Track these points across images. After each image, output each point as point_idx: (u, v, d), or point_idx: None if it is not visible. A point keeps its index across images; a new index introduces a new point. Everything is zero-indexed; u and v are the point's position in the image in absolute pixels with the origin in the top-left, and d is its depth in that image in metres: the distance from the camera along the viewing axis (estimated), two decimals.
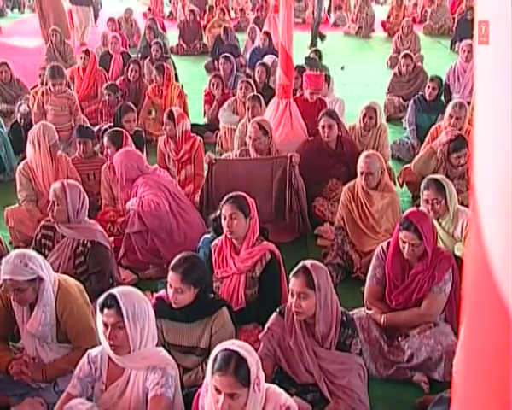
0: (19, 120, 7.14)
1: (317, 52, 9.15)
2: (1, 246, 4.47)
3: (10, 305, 3.41)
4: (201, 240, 4.55)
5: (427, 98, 7.13)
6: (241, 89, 7.27)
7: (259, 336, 3.35)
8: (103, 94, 7.97)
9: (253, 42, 11.73)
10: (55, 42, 10.74)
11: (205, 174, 5.50)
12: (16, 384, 3.35)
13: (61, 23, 12.21)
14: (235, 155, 5.64)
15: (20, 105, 7.39)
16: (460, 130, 5.69)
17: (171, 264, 3.31)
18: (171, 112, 5.90)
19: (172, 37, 13.92)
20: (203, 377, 3.21)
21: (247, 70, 10.18)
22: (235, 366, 2.38)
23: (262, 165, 5.32)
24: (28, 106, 7.44)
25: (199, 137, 6.04)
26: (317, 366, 3.20)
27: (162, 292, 3.46)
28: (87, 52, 8.85)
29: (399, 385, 3.65)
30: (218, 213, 4.42)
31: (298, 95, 6.90)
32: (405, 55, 8.89)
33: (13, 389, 3.38)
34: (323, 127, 5.62)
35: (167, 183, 5.06)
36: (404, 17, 14.64)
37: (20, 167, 5.41)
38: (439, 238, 4.12)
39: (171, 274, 3.28)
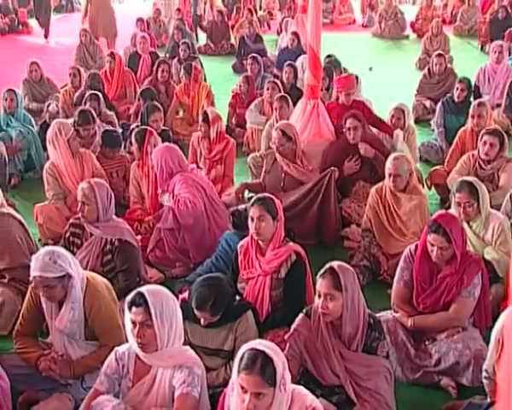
0: (47, 120, 7.22)
1: (331, 56, 9.13)
2: (31, 243, 4.53)
3: (40, 301, 3.45)
4: (223, 235, 4.58)
5: (456, 100, 7.05)
6: (268, 89, 7.28)
7: (285, 336, 3.34)
8: (132, 95, 8.05)
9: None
10: (85, 42, 10.86)
11: None
12: (45, 380, 3.40)
13: (110, 23, 12.52)
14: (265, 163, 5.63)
15: (49, 104, 7.48)
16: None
17: (197, 302, 3.31)
18: (205, 114, 5.94)
19: (200, 37, 13.98)
20: (227, 378, 3.24)
21: (275, 71, 10.17)
22: (261, 365, 2.38)
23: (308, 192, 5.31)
24: (57, 105, 7.54)
25: (232, 139, 6.07)
26: (344, 368, 3.19)
27: (186, 294, 3.49)
28: (113, 55, 8.93)
29: (426, 389, 3.62)
30: (238, 207, 4.45)
31: (332, 100, 6.87)
32: (439, 55, 8.81)
33: (42, 384, 3.42)
34: (349, 129, 5.60)
35: (204, 183, 5.08)
36: (433, 18, 14.48)
37: (47, 167, 5.47)
38: (468, 241, 4.08)
39: (198, 313, 3.32)
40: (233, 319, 3.39)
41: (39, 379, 3.40)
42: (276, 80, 7.60)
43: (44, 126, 7.24)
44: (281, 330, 3.65)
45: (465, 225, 4.09)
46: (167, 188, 4.97)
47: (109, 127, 6.63)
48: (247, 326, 3.39)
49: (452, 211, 4.39)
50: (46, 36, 14.66)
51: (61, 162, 5.40)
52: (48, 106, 7.47)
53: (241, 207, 4.52)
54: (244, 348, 2.47)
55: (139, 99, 7.78)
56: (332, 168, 5.27)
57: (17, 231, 4.40)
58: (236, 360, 2.46)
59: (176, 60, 10.11)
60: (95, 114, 6.36)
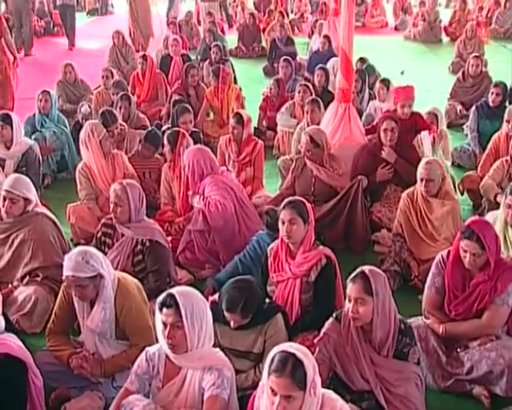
0: (80, 121, 7.32)
1: (363, 59, 9.08)
2: (63, 242, 4.60)
3: (72, 300, 3.50)
4: (256, 234, 4.58)
5: (491, 104, 6.94)
6: (299, 92, 7.27)
7: (315, 340, 3.33)
8: (163, 97, 8.10)
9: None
10: (118, 44, 10.98)
11: None
12: (76, 377, 3.44)
13: (147, 25, 12.95)
14: (292, 169, 5.61)
15: (82, 106, 7.57)
16: None
17: (227, 304, 3.31)
18: (240, 115, 5.96)
19: (231, 40, 14.03)
20: (256, 380, 3.23)
21: (306, 74, 10.15)
22: (291, 368, 2.38)
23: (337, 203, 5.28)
24: (89, 106, 7.63)
25: (260, 141, 6.08)
26: (374, 374, 3.17)
27: (217, 296, 3.50)
28: (145, 57, 9.00)
29: (458, 398, 3.56)
30: (273, 207, 4.45)
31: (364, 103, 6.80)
32: (475, 56, 8.71)
33: (73, 381, 3.47)
34: (386, 130, 5.54)
35: (234, 186, 5.10)
36: (467, 21, 14.31)
37: (79, 168, 5.54)
38: (510, 246, 4.02)
39: (228, 315, 3.32)
40: (263, 322, 3.39)
41: (71, 377, 3.44)
42: (307, 83, 7.58)
43: (77, 127, 7.33)
44: (310, 333, 3.64)
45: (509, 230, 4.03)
46: (198, 190, 4.99)
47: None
48: (276, 329, 3.39)
49: (487, 217, 4.34)
50: (71, 46, 14.46)
51: (93, 163, 5.46)
52: (80, 107, 7.56)
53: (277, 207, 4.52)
54: (275, 350, 2.47)
55: (170, 102, 7.84)
56: (360, 177, 5.24)
57: (50, 231, 4.47)
58: (267, 362, 2.46)
59: (207, 62, 10.15)
60: (117, 114, 6.40)
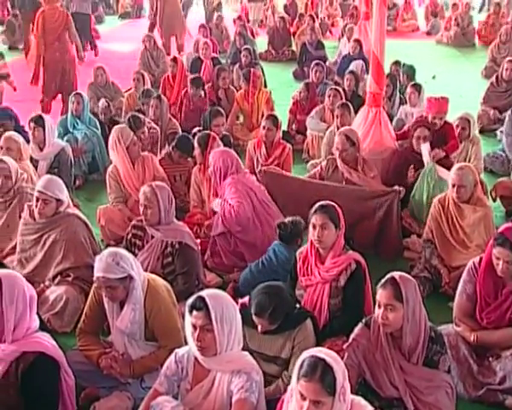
0: (100, 116, 7.43)
1: (398, 62, 9.01)
2: (94, 243, 4.65)
3: (102, 301, 3.53)
4: (273, 244, 4.59)
5: None
6: (329, 96, 7.25)
7: (344, 346, 3.31)
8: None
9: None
10: (149, 47, 11.09)
11: None
12: (106, 377, 3.47)
13: (180, 21, 13.17)
14: (322, 167, 5.58)
15: (100, 100, 7.74)
16: None
17: (256, 309, 3.32)
18: (274, 117, 5.97)
19: (261, 43, 14.05)
20: (283, 388, 3.23)
21: (336, 78, 10.12)
22: (321, 373, 2.37)
23: (368, 198, 5.22)
24: (107, 101, 7.75)
25: (289, 145, 6.07)
26: (403, 381, 3.14)
27: (246, 299, 3.50)
28: (175, 60, 9.07)
29: (490, 408, 3.50)
30: (285, 220, 4.43)
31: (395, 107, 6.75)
32: (510, 60, 8.59)
33: (103, 381, 3.50)
34: (418, 138, 5.51)
35: (255, 187, 5.11)
36: (501, 25, 14.11)
37: (109, 171, 5.59)
38: None
39: (256, 320, 3.33)
40: (292, 327, 3.38)
41: (100, 376, 3.47)
42: (337, 87, 7.56)
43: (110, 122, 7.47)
44: (339, 339, 3.63)
45: None
46: (220, 192, 5.01)
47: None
48: (305, 335, 3.38)
49: None
50: (93, 51, 13.86)
51: (121, 168, 5.51)
52: (99, 102, 7.73)
53: (288, 219, 4.51)
54: (304, 354, 2.46)
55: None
56: (398, 188, 5.16)
57: (82, 232, 4.52)
58: (296, 367, 2.45)
59: (237, 66, 10.19)
60: (143, 119, 6.42)
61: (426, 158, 5.44)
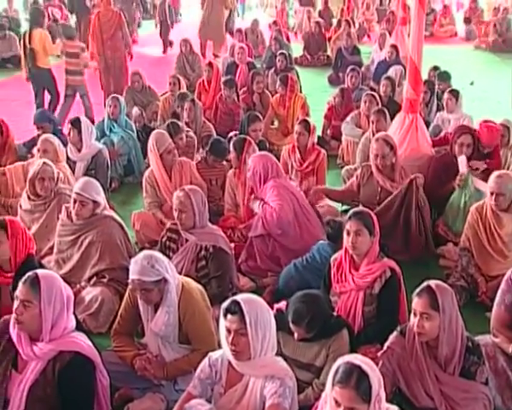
0: (134, 123, 7.49)
1: (437, 67, 8.91)
2: (129, 246, 4.70)
3: (137, 303, 3.56)
4: (318, 243, 4.57)
5: None
6: (365, 102, 7.21)
7: (378, 354, 3.28)
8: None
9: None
10: (185, 52, 11.18)
11: None
12: (140, 379, 3.50)
13: (219, 28, 13.42)
14: (357, 175, 5.54)
15: (133, 108, 7.82)
16: None
17: (293, 317, 3.31)
18: (306, 122, 5.96)
19: (296, 48, 14.05)
20: (314, 399, 3.22)
21: (371, 83, 10.06)
22: (356, 379, 2.35)
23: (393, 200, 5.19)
24: (140, 108, 7.81)
25: (323, 150, 6.05)
26: (439, 391, 3.09)
27: (282, 304, 3.49)
28: (210, 65, 9.12)
29: None
30: (335, 218, 4.41)
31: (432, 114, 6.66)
32: None
33: (136, 382, 3.53)
34: (462, 145, 5.45)
35: (296, 192, 5.10)
36: None
37: (146, 175, 5.62)
38: None
39: (293, 327, 3.32)
40: (328, 336, 3.36)
41: (134, 378, 3.50)
42: (373, 93, 7.51)
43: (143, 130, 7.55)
44: (372, 346, 3.60)
45: None
46: (260, 193, 5.00)
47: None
48: (341, 344, 3.36)
49: None
50: None
51: (156, 174, 5.53)
52: (132, 110, 7.81)
53: (338, 218, 4.49)
54: (339, 361, 2.45)
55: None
56: (414, 176, 5.10)
57: (117, 234, 4.57)
58: (331, 373, 2.44)
59: (272, 70, 10.19)
60: (182, 125, 6.44)
61: (462, 169, 5.36)
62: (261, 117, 6.78)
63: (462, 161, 5.39)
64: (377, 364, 3.12)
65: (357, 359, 2.45)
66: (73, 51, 8.97)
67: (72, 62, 8.94)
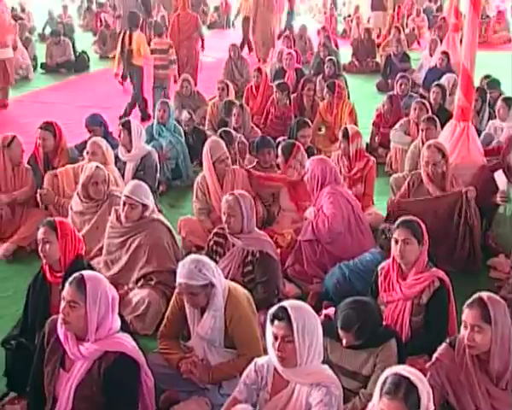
0: (183, 128, 7.57)
1: (488, 76, 8.72)
2: (177, 249, 4.74)
3: (184, 306, 3.58)
4: (369, 251, 4.54)
5: None
6: (414, 109, 7.10)
7: (426, 365, 3.21)
8: None
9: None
10: (234, 57, 11.26)
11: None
12: (185, 381, 3.52)
13: (269, 34, 13.70)
14: (408, 183, 5.45)
15: (184, 109, 7.89)
16: None
17: (342, 323, 3.27)
18: (345, 130, 5.91)
19: (345, 54, 13.98)
20: (360, 408, 3.19)
21: (421, 90, 9.92)
22: (405, 391, 2.31)
23: (439, 204, 5.10)
24: (189, 112, 7.87)
25: (372, 158, 6.00)
26: (490, 406, 3.00)
27: (330, 310, 3.46)
28: (259, 70, 9.14)
29: None
30: (388, 226, 4.35)
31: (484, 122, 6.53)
32: None
33: (182, 385, 3.54)
34: None
35: (352, 200, 5.05)
36: None
37: (198, 180, 5.63)
38: None
39: (342, 334, 3.29)
40: (376, 345, 3.32)
41: (180, 380, 3.52)
42: (423, 100, 7.40)
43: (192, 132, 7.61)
44: (420, 357, 3.53)
45: None
46: (316, 198, 4.98)
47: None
48: (389, 354, 3.30)
49: None
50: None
51: (208, 180, 5.52)
52: (181, 114, 7.87)
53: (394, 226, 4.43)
54: (388, 371, 2.41)
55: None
56: (465, 189, 5.01)
57: (165, 237, 4.61)
58: (379, 383, 2.41)
59: (320, 77, 10.15)
60: (234, 134, 6.46)
61: (501, 187, 5.24)
62: (310, 123, 6.76)
63: (499, 176, 5.26)
64: (425, 375, 3.07)
65: (405, 370, 2.41)
66: (162, 48, 9.86)
67: (161, 58, 9.80)
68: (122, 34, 9.85)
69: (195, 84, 9.99)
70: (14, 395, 3.59)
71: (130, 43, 9.49)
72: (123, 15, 10.99)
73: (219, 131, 6.46)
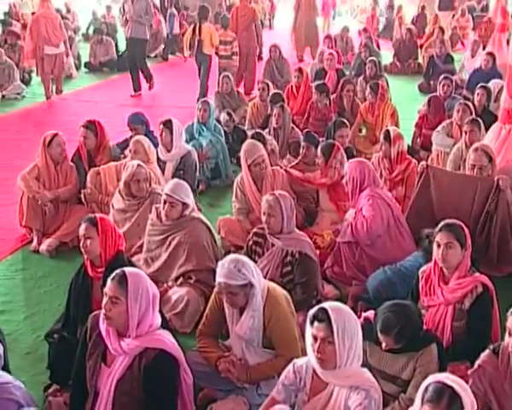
0: (224, 128, 7.60)
1: None
2: (216, 248, 4.77)
3: (223, 305, 3.59)
4: (412, 255, 4.49)
5: None
6: (458, 111, 6.98)
7: (468, 372, 3.15)
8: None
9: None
10: (274, 57, 11.25)
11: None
12: (223, 380, 3.53)
13: (314, 34, 13.94)
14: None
15: (224, 108, 7.91)
16: None
17: (382, 326, 3.24)
18: (387, 132, 5.85)
19: (386, 55, 13.84)
20: None
21: (465, 92, 9.75)
22: (448, 401, 2.28)
23: (467, 183, 5.07)
24: (228, 113, 7.91)
25: (414, 160, 5.92)
26: None
27: (370, 313, 3.43)
28: (300, 70, 9.12)
29: None
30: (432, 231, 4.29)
31: None
32: None
33: (220, 384, 3.56)
34: None
35: (392, 203, 5.00)
36: None
37: (238, 180, 5.65)
38: None
39: (381, 337, 3.26)
40: (416, 349, 3.27)
41: (218, 379, 3.53)
42: (467, 102, 7.26)
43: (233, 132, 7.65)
44: (461, 363, 3.48)
45: None
46: (357, 200, 4.94)
47: None
48: (429, 359, 3.25)
49: None
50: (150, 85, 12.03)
51: (246, 183, 5.53)
52: (220, 115, 7.94)
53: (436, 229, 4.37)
54: (430, 379, 2.37)
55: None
56: (498, 177, 4.93)
57: (205, 236, 4.64)
58: (420, 390, 2.37)
59: (361, 78, 10.08)
60: (266, 136, 6.43)
61: None
62: (347, 123, 6.73)
63: None
64: (467, 382, 3.02)
65: (449, 378, 2.37)
66: (226, 40, 11.10)
67: (225, 49, 11.07)
68: (193, 26, 11.06)
69: (253, 81, 11.41)
70: (56, 388, 3.65)
71: (200, 34, 10.60)
72: (130, 19, 11.03)
73: (252, 132, 6.48)
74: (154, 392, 2.98)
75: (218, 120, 7.91)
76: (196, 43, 10.65)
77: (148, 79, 11.87)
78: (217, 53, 11.06)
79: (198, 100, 8.66)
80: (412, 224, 5.01)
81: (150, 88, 11.96)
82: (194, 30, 10.80)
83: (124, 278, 3.01)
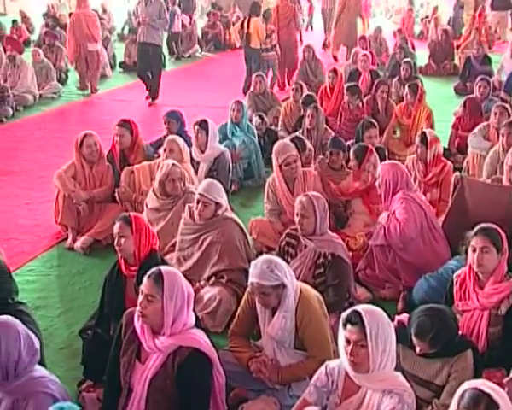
0: (255, 131, 7.57)
1: None
2: (248, 248, 4.77)
3: (255, 306, 3.60)
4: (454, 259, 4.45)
5: None
6: (495, 114, 6.86)
7: (504, 380, 3.10)
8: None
9: None
10: (308, 58, 11.23)
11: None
12: (254, 380, 3.53)
13: (351, 34, 14.06)
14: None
15: (257, 109, 7.90)
16: None
17: (416, 330, 3.21)
18: (424, 134, 5.79)
19: (421, 57, 13.69)
20: None
21: (502, 94, 9.59)
22: (485, 408, 2.23)
23: (500, 193, 4.96)
24: (260, 117, 7.91)
25: (449, 163, 5.85)
26: None
27: (404, 316, 3.40)
28: (335, 71, 9.07)
29: None
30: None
31: None
32: None
33: (251, 384, 3.56)
34: None
35: (426, 206, 4.94)
36: None
37: (269, 181, 5.63)
38: None
39: (416, 341, 3.22)
40: (451, 354, 3.23)
41: (249, 379, 3.54)
42: (505, 105, 7.14)
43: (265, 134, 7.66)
44: (497, 370, 3.41)
45: None
46: (390, 203, 4.90)
47: None
48: (464, 365, 3.21)
49: None
50: (151, 99, 11.27)
51: (277, 183, 5.49)
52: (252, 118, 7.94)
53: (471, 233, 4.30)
54: (466, 385, 2.34)
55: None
56: None
57: (237, 236, 4.64)
58: (456, 397, 2.34)
59: (396, 79, 9.99)
60: (307, 142, 6.38)
61: None
62: (376, 123, 6.69)
63: None
64: (503, 389, 2.97)
65: (485, 385, 2.32)
66: (267, 33, 11.55)
67: (265, 42, 11.54)
68: (242, 20, 11.99)
69: (291, 77, 12.07)
70: (90, 383, 3.70)
71: (248, 28, 11.34)
72: (143, 23, 10.45)
73: (292, 135, 6.44)
74: (187, 390, 3.00)
75: (251, 121, 7.92)
76: (244, 36, 11.49)
77: (153, 91, 11.08)
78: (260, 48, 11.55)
79: (244, 91, 9.65)
80: (450, 234, 4.92)
81: (150, 105, 11.10)
82: (242, 24, 11.64)
83: (160, 276, 3.03)
